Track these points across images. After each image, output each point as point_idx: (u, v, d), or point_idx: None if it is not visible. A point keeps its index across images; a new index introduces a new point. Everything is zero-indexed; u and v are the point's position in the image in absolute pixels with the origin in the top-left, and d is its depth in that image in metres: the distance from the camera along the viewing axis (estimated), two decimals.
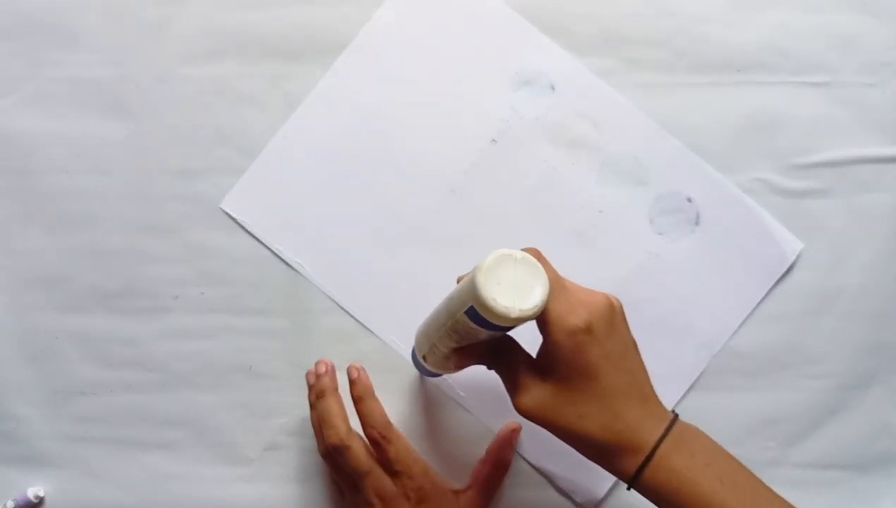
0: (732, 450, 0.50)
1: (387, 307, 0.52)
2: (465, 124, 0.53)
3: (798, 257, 0.52)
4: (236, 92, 0.53)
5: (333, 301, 0.52)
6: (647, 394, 0.40)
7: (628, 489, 0.40)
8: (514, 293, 0.36)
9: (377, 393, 0.51)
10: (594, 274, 0.51)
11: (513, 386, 0.41)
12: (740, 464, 0.40)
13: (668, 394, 0.51)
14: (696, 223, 0.52)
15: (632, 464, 0.39)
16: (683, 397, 0.51)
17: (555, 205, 0.52)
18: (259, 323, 0.52)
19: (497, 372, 0.42)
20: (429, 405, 0.52)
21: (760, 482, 0.40)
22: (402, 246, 0.52)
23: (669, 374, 0.51)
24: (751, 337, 0.52)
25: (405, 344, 0.52)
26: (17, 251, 0.53)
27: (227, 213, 0.52)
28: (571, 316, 0.38)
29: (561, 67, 0.53)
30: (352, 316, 0.52)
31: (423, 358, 0.44)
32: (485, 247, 0.51)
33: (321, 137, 0.53)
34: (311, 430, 0.51)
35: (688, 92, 0.52)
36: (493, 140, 0.52)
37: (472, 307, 0.37)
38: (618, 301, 0.41)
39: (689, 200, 0.52)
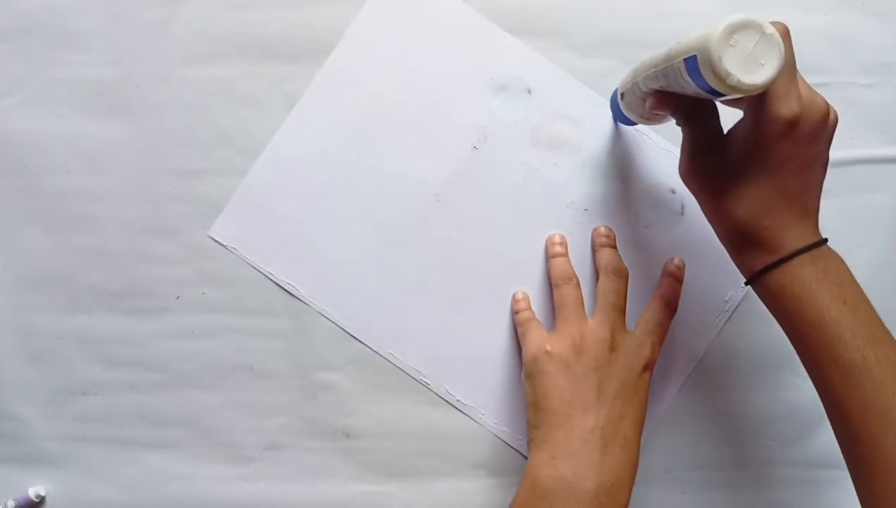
0: (732, 450, 0.51)
1: (380, 319, 0.52)
2: (445, 133, 0.53)
3: None
4: (237, 92, 0.53)
5: (328, 318, 0.52)
6: (809, 212, 0.40)
7: (745, 284, 0.41)
8: (743, 62, 0.34)
9: (374, 394, 0.52)
10: (584, 272, 0.52)
11: (691, 148, 0.41)
12: (870, 303, 0.39)
13: (665, 386, 0.51)
14: (682, 213, 0.52)
15: (760, 262, 0.39)
16: (681, 392, 0.51)
17: (540, 207, 0.52)
18: (259, 323, 0.52)
19: (683, 129, 0.42)
20: (428, 406, 0.52)
21: (882, 322, 0.39)
22: (390, 257, 0.52)
23: (665, 365, 0.51)
24: (750, 336, 0.52)
25: (400, 354, 0.52)
26: (17, 251, 0.53)
27: (216, 241, 0.52)
28: (783, 106, 0.37)
29: (536, 70, 0.53)
30: (346, 332, 0.52)
31: (622, 95, 0.44)
32: (472, 254, 0.52)
33: (304, 156, 0.53)
34: (311, 430, 0.52)
35: None
36: (475, 147, 0.53)
37: (694, 57, 0.35)
38: (835, 116, 0.40)
39: (673, 191, 0.52)
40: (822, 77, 0.53)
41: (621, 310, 0.49)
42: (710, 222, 0.42)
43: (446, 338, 0.52)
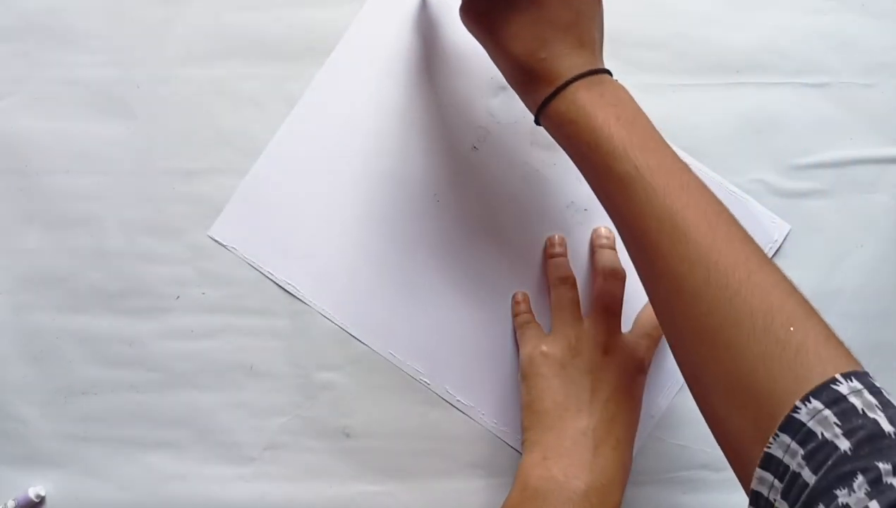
0: None
1: (380, 319, 0.52)
2: (445, 134, 0.53)
3: (785, 239, 0.52)
4: (237, 93, 0.53)
5: (328, 318, 0.52)
6: (585, 41, 0.40)
7: (536, 123, 0.41)
8: None
9: (374, 394, 0.52)
10: (583, 272, 0.52)
11: None
12: (650, 122, 0.40)
13: (665, 386, 0.51)
14: None
15: (541, 95, 0.40)
16: (682, 392, 0.51)
17: (539, 207, 0.52)
18: (260, 322, 0.52)
19: None
20: (427, 406, 0.52)
21: (659, 135, 0.39)
22: (390, 257, 0.52)
23: (665, 365, 0.51)
24: None
25: (400, 354, 0.52)
26: (17, 251, 0.53)
27: (216, 241, 0.52)
28: None
29: None
30: (346, 331, 0.52)
31: None
32: (472, 254, 0.52)
33: (304, 156, 0.53)
34: (311, 429, 0.52)
35: (687, 93, 0.52)
36: (474, 147, 0.53)
37: None
38: None
39: None
40: (823, 77, 0.53)
41: (617, 313, 0.49)
42: (497, 66, 0.43)
43: (446, 338, 0.52)
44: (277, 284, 0.52)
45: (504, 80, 0.51)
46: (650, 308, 0.50)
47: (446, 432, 0.52)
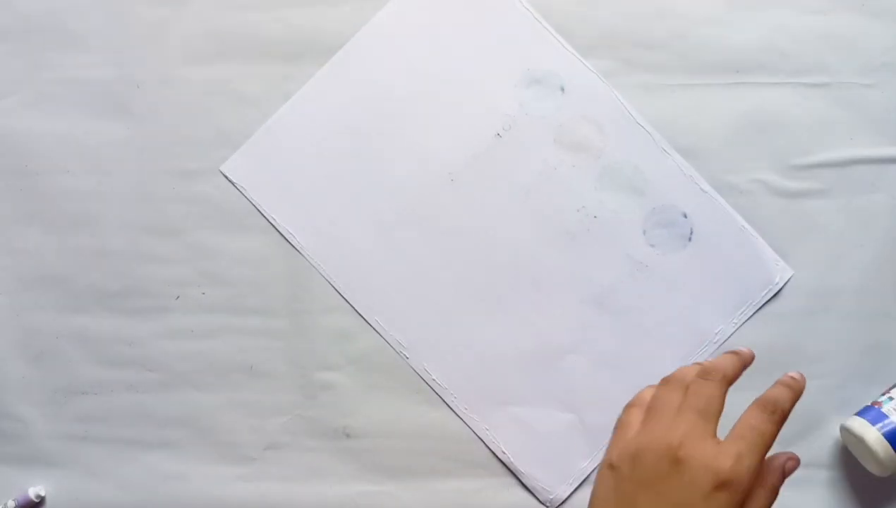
0: None
1: (377, 289, 0.52)
2: (471, 115, 0.53)
3: (787, 283, 0.52)
4: (237, 92, 0.53)
5: (332, 285, 0.52)
6: None
7: None
8: None
9: (374, 394, 0.52)
10: (580, 277, 0.52)
11: None
12: None
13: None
14: (689, 239, 0.52)
15: None
16: None
17: (551, 205, 0.52)
18: (260, 322, 0.52)
19: None
20: (428, 406, 0.52)
21: None
22: (399, 231, 0.52)
23: (649, 380, 0.51)
24: (750, 336, 0.52)
25: (386, 325, 0.52)
26: (18, 251, 0.53)
27: (226, 176, 0.52)
28: None
29: (572, 70, 0.53)
30: (352, 305, 0.52)
31: None
32: (475, 240, 0.52)
33: (329, 112, 0.53)
34: (311, 429, 0.52)
35: (687, 93, 0.52)
36: (498, 134, 0.52)
37: None
38: None
39: (685, 216, 0.52)
40: (822, 77, 0.53)
41: (706, 415, 0.38)
42: None
43: (444, 326, 0.52)
44: (278, 231, 0.52)
45: (540, 74, 0.51)
46: (749, 408, 0.40)
47: (446, 432, 0.52)
